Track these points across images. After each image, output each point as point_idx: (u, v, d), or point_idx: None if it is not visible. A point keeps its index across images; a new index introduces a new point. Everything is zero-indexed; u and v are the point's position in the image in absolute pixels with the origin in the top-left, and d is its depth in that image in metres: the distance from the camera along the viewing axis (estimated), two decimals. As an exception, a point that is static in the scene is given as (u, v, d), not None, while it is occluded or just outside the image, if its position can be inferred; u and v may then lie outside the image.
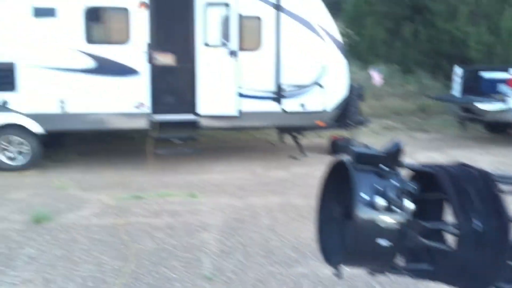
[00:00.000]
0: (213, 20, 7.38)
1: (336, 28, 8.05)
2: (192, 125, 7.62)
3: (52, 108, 7.11)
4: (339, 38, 7.99)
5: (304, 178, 6.87)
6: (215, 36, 7.41)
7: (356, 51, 13.77)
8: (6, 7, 6.90)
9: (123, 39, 7.24)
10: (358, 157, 1.06)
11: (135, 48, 7.24)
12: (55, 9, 6.95)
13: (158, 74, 7.47)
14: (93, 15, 7.16)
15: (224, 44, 7.41)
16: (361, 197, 1.01)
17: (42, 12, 6.91)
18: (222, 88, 7.52)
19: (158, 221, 5.12)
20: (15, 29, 6.94)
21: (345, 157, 1.11)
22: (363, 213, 1.00)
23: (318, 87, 7.83)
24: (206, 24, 7.36)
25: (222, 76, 7.49)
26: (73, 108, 7.18)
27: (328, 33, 7.80)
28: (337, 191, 1.16)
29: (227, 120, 7.68)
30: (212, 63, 7.45)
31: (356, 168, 1.05)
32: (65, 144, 8.73)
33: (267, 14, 7.55)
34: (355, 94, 8.26)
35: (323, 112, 7.94)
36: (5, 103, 7.01)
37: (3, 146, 7.18)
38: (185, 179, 6.93)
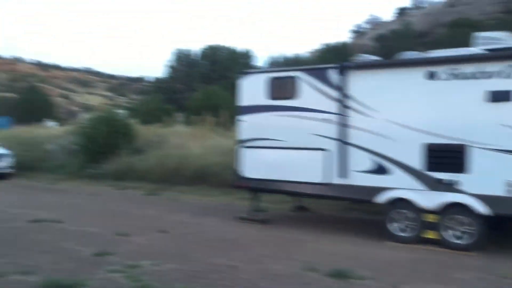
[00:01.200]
0: None
1: None
2: None
3: (501, 190, 6.93)
4: None
5: None
6: None
7: None
8: (458, 92, 7.28)
9: None
10: None
11: None
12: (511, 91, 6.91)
13: None
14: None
15: None
16: None
17: (498, 96, 6.98)
18: None
19: None
20: (466, 112, 7.23)
21: None
22: None
23: None
24: None
25: None
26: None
27: None
28: None
29: None
30: None
31: None
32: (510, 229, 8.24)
33: None
34: None
35: None
36: (453, 183, 7.31)
37: (448, 225, 7.42)
38: None
